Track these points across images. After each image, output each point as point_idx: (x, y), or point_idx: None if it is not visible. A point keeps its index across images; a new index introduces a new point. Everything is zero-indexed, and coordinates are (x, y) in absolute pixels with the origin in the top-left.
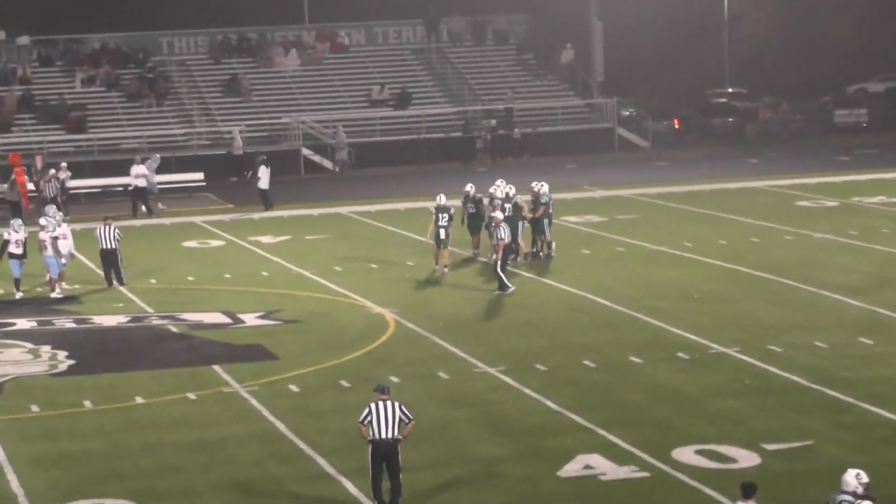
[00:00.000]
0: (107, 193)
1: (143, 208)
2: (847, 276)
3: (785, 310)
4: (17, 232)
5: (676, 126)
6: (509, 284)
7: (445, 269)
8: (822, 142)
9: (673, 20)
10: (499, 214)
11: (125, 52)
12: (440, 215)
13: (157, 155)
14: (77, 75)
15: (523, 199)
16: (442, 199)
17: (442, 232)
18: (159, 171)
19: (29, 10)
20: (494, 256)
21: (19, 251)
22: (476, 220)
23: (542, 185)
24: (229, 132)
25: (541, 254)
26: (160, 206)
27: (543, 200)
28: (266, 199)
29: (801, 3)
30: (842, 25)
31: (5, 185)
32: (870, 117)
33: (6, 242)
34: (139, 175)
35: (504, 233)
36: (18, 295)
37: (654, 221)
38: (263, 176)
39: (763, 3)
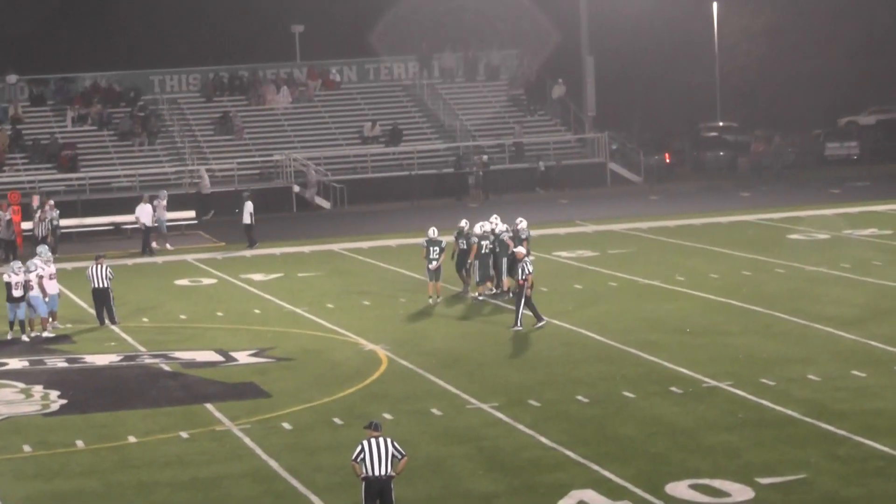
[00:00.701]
0: (98, 232)
1: (150, 245)
2: (839, 309)
3: (778, 343)
4: (16, 274)
5: (668, 160)
6: (526, 321)
7: (438, 300)
8: (813, 175)
9: (664, 54)
10: (522, 249)
11: (116, 91)
12: (431, 248)
13: (164, 191)
14: (68, 114)
15: (509, 236)
16: (433, 233)
17: (433, 264)
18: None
19: (20, 49)
20: (521, 291)
21: (19, 293)
22: (465, 256)
23: (521, 222)
24: (221, 170)
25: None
26: (167, 245)
27: (523, 236)
28: (249, 236)
29: (792, 36)
30: (833, 59)
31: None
32: (861, 150)
33: (8, 285)
34: (146, 214)
35: (531, 267)
36: (24, 337)
37: (646, 255)
38: (248, 211)
39: (754, 36)
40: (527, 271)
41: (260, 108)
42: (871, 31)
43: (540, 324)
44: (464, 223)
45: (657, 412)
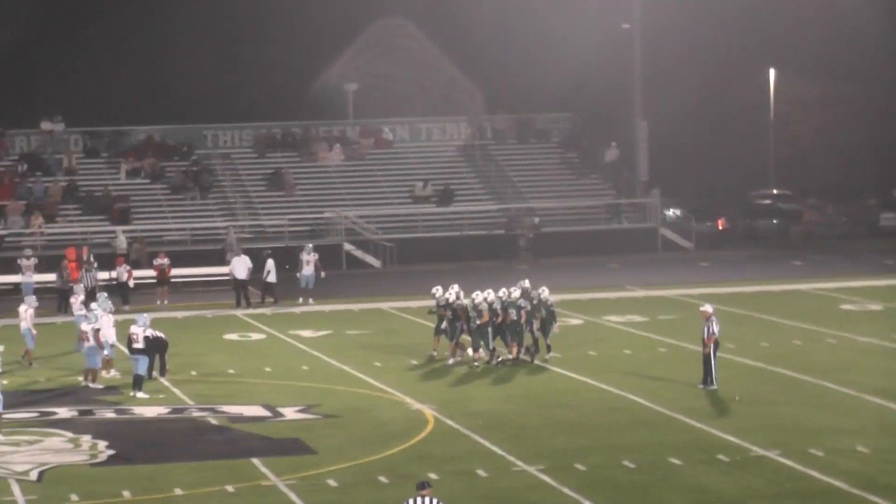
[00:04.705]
0: (147, 285)
1: (244, 300)
2: (890, 381)
3: (827, 413)
4: (141, 328)
5: (720, 227)
6: (714, 381)
7: (457, 360)
8: (867, 245)
9: (718, 121)
10: (709, 308)
11: (170, 145)
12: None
13: (310, 245)
14: (122, 167)
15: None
16: (437, 292)
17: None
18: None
19: (75, 101)
20: (713, 349)
21: (140, 346)
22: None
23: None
24: (272, 226)
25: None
26: (310, 300)
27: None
28: (272, 292)
29: (846, 105)
30: (888, 129)
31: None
32: None
33: (129, 338)
34: (240, 267)
35: (717, 327)
36: (139, 394)
37: (695, 322)
38: (271, 270)
39: (809, 104)
40: (713, 331)
41: (312, 164)
42: None
43: (700, 384)
44: (435, 290)
45: (703, 480)
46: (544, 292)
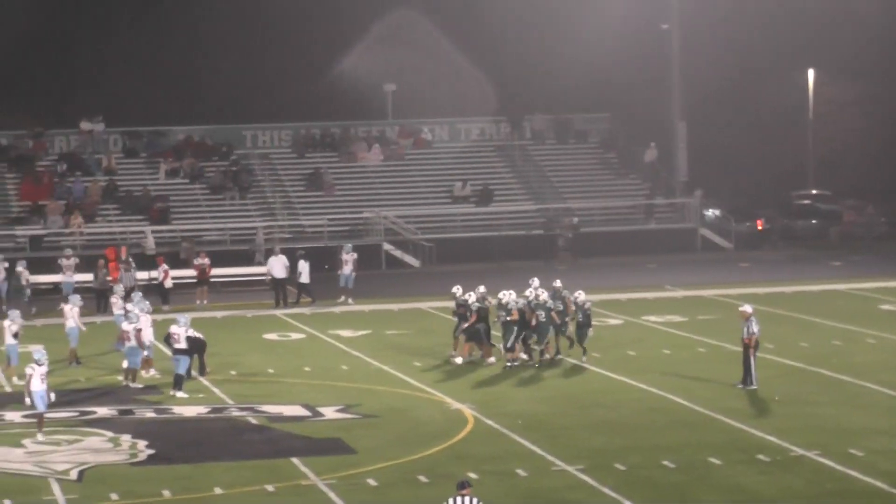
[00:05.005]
0: (186, 285)
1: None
2: None
3: (867, 414)
4: (182, 328)
5: (759, 227)
6: (754, 381)
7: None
8: None
9: (756, 121)
10: (748, 308)
11: (209, 145)
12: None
13: (350, 244)
14: (161, 167)
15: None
16: (458, 292)
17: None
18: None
19: (115, 101)
20: (753, 350)
21: (182, 346)
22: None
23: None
24: (311, 226)
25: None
26: (349, 300)
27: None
28: (308, 292)
29: (885, 105)
30: None
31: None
32: None
33: (168, 336)
34: (276, 266)
35: (756, 327)
36: (180, 394)
37: (735, 322)
38: (304, 270)
39: (847, 105)
40: (752, 331)
41: (351, 164)
42: None
43: (739, 384)
44: (456, 289)
45: (742, 480)
46: (581, 296)
